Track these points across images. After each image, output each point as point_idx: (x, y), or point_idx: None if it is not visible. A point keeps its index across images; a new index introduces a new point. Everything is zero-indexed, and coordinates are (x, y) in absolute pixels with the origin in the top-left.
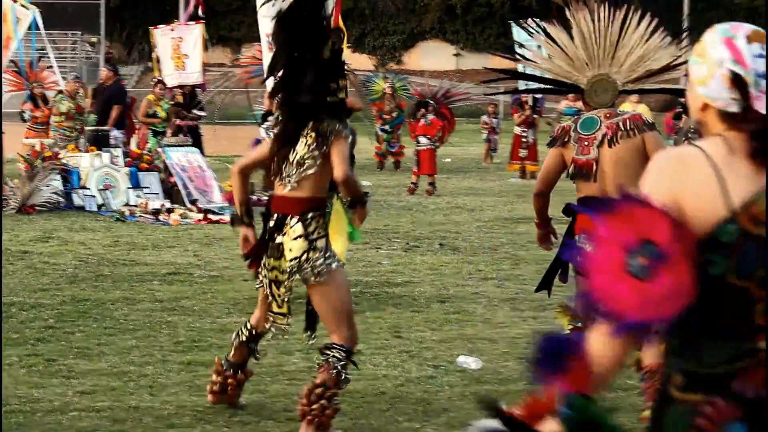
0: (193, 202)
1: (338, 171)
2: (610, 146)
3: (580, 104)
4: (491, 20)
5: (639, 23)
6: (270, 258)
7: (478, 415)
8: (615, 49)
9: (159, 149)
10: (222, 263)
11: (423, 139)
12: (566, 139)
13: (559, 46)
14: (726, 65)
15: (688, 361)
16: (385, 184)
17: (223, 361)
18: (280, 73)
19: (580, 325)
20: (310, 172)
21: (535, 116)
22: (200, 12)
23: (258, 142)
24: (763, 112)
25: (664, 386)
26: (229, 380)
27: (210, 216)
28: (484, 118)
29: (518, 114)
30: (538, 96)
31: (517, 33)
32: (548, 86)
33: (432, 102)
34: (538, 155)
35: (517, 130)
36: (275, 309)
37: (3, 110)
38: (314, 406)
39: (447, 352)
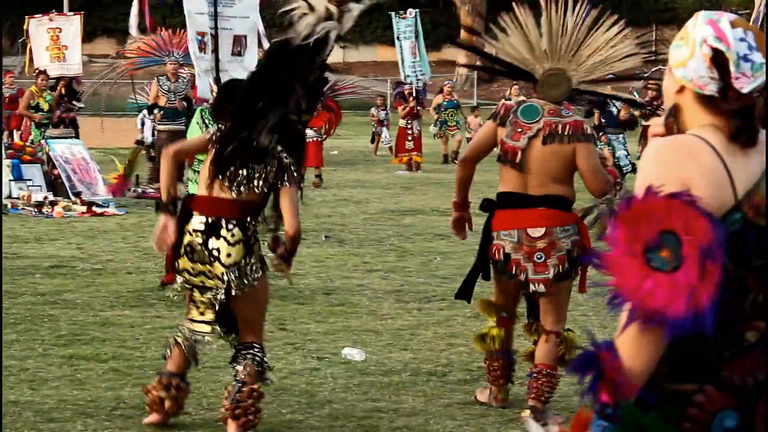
0: (77, 194)
1: (291, 225)
2: (543, 143)
3: (455, 96)
4: (378, 13)
5: (611, 27)
6: (197, 263)
7: (362, 407)
8: (579, 47)
9: (42, 141)
10: (106, 256)
11: (309, 131)
12: (505, 118)
13: (523, 30)
14: (708, 42)
15: (674, 350)
16: None
17: (163, 375)
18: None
19: (504, 315)
20: (258, 188)
21: (419, 108)
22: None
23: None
24: (743, 91)
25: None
26: (173, 392)
27: (94, 209)
28: (373, 110)
29: (402, 106)
30: (420, 88)
31: (396, 23)
32: (501, 69)
33: None
34: (422, 147)
35: (402, 122)
36: (196, 317)
37: None
38: (242, 407)
39: (331, 344)
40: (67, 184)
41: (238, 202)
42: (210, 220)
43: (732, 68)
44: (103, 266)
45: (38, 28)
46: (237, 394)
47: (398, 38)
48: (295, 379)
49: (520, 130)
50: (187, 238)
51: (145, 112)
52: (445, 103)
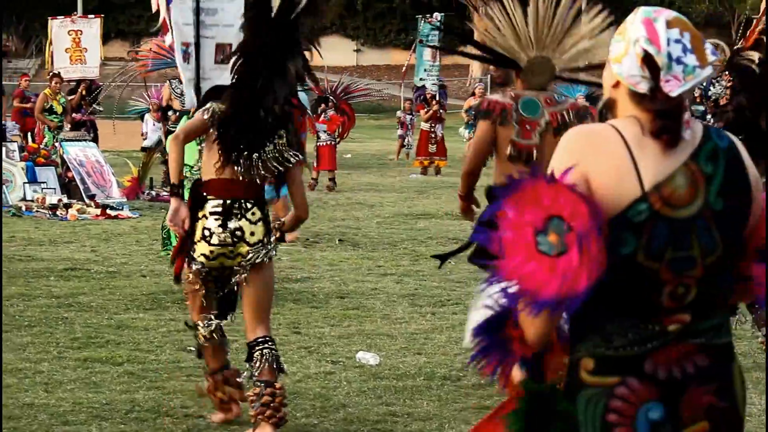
0: (91, 197)
1: (304, 209)
2: (555, 136)
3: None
4: (392, 16)
5: (595, 17)
6: (217, 246)
7: (376, 411)
8: (564, 36)
9: (56, 144)
10: (120, 259)
11: (323, 135)
12: (507, 118)
13: (511, 20)
14: (640, 44)
15: (597, 344)
16: None
17: (215, 375)
18: (244, 70)
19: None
20: (271, 170)
21: (441, 111)
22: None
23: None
24: (671, 94)
25: (573, 371)
26: (234, 382)
27: (108, 211)
28: (399, 113)
29: (425, 110)
30: (440, 91)
31: (422, 27)
32: (488, 56)
33: (332, 98)
34: (446, 151)
35: (425, 125)
36: (204, 319)
37: None
38: (272, 407)
39: (346, 347)
40: (81, 187)
41: (252, 183)
42: (227, 202)
43: (662, 71)
44: (118, 269)
45: (60, 30)
46: (265, 397)
47: (420, 41)
48: (310, 383)
49: (529, 127)
50: (203, 223)
51: (147, 116)
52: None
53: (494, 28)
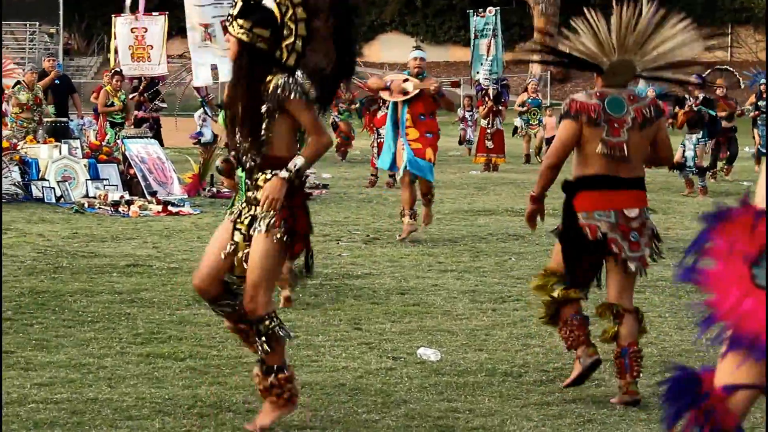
0: (153, 193)
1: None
2: (640, 130)
3: (540, 95)
4: (451, 12)
5: (677, 24)
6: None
7: (438, 407)
8: (646, 40)
9: (118, 141)
10: (181, 255)
11: (383, 131)
12: (598, 120)
13: (594, 30)
14: None
15: None
16: (345, 177)
17: (281, 369)
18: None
19: (572, 293)
20: None
21: (500, 107)
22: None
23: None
24: None
25: None
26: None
27: (169, 208)
28: (459, 111)
29: (483, 106)
30: (497, 87)
31: (474, 22)
32: (567, 61)
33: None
34: (504, 147)
35: (483, 122)
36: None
37: None
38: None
39: (406, 344)
40: (142, 184)
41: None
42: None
43: None
44: (179, 265)
45: (123, 28)
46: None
47: (475, 36)
48: (371, 379)
49: (616, 125)
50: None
51: (200, 111)
52: (529, 100)
53: (575, 36)
